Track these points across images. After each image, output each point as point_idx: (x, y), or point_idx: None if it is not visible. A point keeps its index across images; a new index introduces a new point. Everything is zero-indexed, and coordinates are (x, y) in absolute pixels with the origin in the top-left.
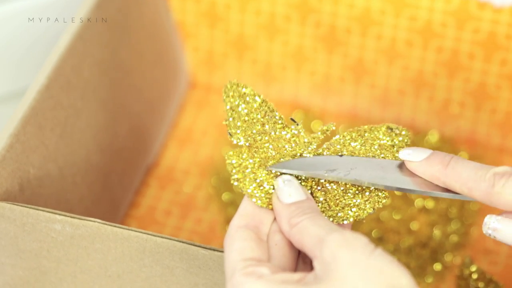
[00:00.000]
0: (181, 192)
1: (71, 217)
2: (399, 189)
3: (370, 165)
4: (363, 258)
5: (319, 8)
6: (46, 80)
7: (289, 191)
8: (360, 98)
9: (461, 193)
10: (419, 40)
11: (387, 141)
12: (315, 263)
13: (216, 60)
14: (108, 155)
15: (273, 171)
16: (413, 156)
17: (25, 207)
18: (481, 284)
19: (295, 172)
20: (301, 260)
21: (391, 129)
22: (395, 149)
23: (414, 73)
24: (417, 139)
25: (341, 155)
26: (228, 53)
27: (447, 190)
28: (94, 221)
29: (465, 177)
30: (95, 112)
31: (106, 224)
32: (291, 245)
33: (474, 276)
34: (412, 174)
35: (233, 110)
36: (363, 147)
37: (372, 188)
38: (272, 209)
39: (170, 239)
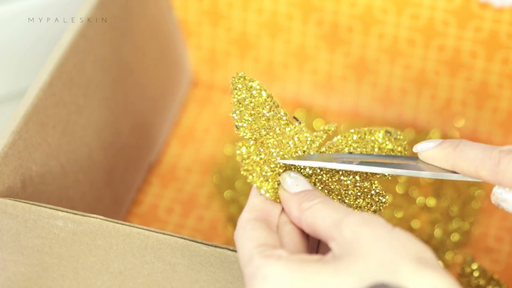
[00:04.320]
0: (183, 190)
1: (73, 213)
2: (410, 173)
3: (379, 158)
4: (385, 234)
5: (321, 6)
6: (49, 77)
7: (296, 182)
8: (362, 97)
9: (468, 174)
10: (421, 39)
11: (386, 144)
12: (333, 245)
13: (218, 59)
14: (110, 153)
15: (279, 167)
16: (426, 146)
17: (27, 203)
18: (482, 282)
19: (304, 163)
20: (309, 250)
21: (390, 133)
22: (393, 154)
23: (416, 72)
24: (418, 138)
25: (350, 153)
26: (230, 51)
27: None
28: (96, 218)
29: (472, 157)
30: (97, 109)
31: (108, 220)
32: (302, 234)
33: (476, 274)
34: (423, 165)
35: (240, 103)
36: (364, 150)
37: (373, 191)
38: (280, 202)
39: (172, 235)
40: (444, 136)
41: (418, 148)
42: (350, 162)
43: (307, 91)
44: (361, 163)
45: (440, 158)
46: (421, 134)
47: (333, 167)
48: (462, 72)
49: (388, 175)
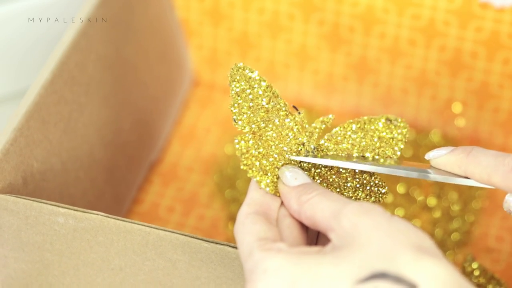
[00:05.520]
0: (184, 189)
1: (74, 210)
2: (423, 176)
3: (392, 162)
4: (384, 223)
5: (322, 6)
6: (50, 75)
7: (294, 175)
8: (363, 97)
9: (481, 180)
10: (422, 39)
11: (387, 133)
12: (332, 236)
13: (219, 58)
14: (111, 151)
15: (278, 161)
16: (439, 153)
17: (29, 200)
18: (483, 281)
19: (316, 161)
20: (308, 242)
21: (390, 120)
22: (394, 142)
23: (417, 72)
24: (419, 138)
25: (363, 156)
26: (232, 51)
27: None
28: (97, 214)
29: (485, 163)
30: (98, 107)
31: (109, 217)
32: (301, 227)
33: (476, 273)
34: (435, 171)
35: (238, 96)
36: (363, 140)
37: (372, 183)
38: (279, 195)
39: (173, 232)
40: (445, 136)
41: (430, 155)
42: (364, 163)
43: (308, 91)
44: (374, 164)
45: (452, 163)
46: (422, 134)
47: (346, 166)
48: (463, 73)
49: None
